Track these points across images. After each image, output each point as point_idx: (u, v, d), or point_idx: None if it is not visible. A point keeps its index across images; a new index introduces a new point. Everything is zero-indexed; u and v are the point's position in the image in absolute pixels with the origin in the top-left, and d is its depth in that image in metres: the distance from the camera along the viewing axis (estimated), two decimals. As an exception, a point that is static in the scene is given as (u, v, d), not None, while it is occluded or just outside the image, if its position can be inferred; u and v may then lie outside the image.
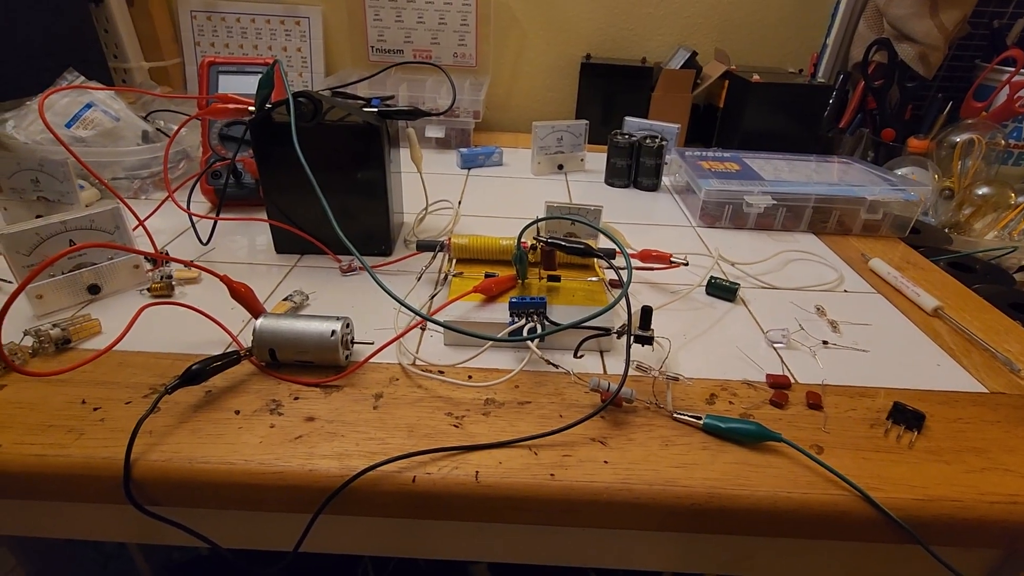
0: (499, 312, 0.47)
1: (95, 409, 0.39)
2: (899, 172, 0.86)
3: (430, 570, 1.11)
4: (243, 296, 0.44)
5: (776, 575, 0.43)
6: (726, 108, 1.04)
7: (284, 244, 0.61)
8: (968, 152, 0.85)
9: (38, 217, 0.63)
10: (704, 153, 0.86)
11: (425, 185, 0.68)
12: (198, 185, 0.68)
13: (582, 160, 0.92)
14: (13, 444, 0.36)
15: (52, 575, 0.94)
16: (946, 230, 0.82)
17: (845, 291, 0.60)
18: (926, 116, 0.95)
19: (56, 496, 0.36)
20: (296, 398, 0.41)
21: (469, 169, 0.91)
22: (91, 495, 0.36)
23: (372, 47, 1.09)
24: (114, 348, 0.44)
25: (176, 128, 0.58)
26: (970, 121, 0.90)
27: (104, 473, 0.35)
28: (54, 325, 0.44)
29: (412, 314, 0.50)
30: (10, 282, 0.52)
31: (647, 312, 0.41)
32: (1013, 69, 0.91)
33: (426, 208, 0.69)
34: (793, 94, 0.98)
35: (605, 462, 0.37)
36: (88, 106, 0.72)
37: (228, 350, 0.44)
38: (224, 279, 0.43)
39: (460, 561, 1.12)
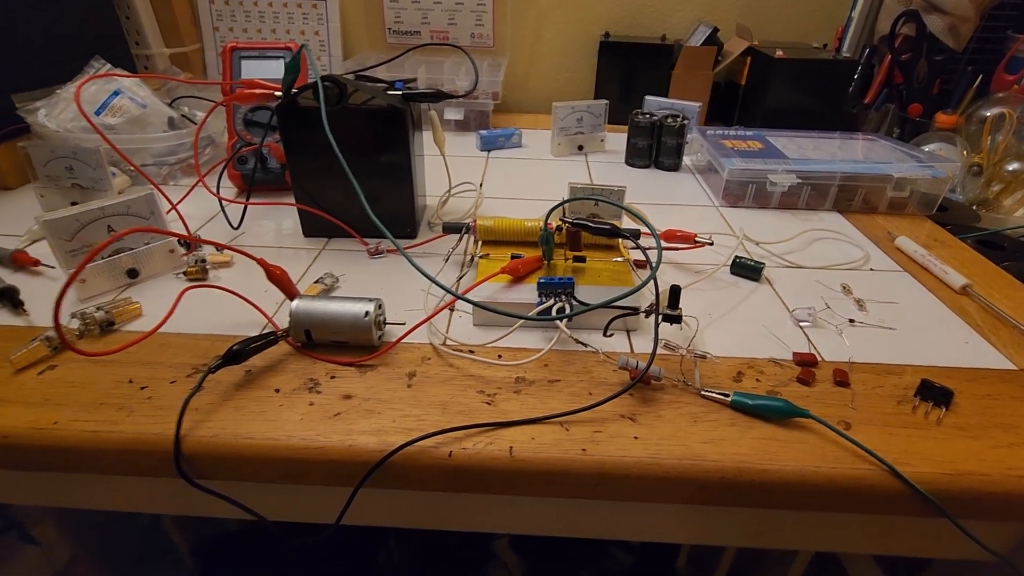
0: (526, 293, 0.48)
1: (142, 388, 0.40)
2: (926, 148, 0.85)
3: (452, 545, 1.15)
4: (279, 279, 0.45)
5: (802, 546, 0.43)
6: (748, 85, 1.02)
7: (312, 228, 0.62)
8: (998, 127, 0.83)
9: (73, 204, 0.64)
10: (726, 132, 0.85)
11: (448, 167, 0.69)
12: (225, 170, 0.69)
13: (602, 140, 0.92)
14: (69, 421, 0.37)
15: (92, 548, 0.98)
16: (974, 207, 0.81)
17: (871, 270, 0.59)
18: (955, 90, 0.93)
19: (110, 470, 0.38)
20: (332, 377, 0.42)
21: (489, 151, 0.92)
22: (143, 469, 0.38)
23: (389, 29, 1.08)
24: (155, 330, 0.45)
25: (204, 115, 0.59)
26: (1001, 95, 0.88)
27: (155, 448, 0.36)
28: (98, 308, 0.46)
29: (440, 295, 0.51)
30: (52, 267, 0.54)
31: (676, 291, 0.42)
32: (1047, 40, 0.89)
33: (449, 190, 0.70)
34: (817, 70, 0.96)
35: (635, 438, 0.37)
36: (115, 93, 0.73)
37: (264, 331, 0.46)
38: (261, 262, 0.45)
39: (481, 538, 1.15)
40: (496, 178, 0.81)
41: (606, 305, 0.42)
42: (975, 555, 0.41)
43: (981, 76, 0.91)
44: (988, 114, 0.84)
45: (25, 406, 0.38)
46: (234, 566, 1.12)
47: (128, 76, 0.72)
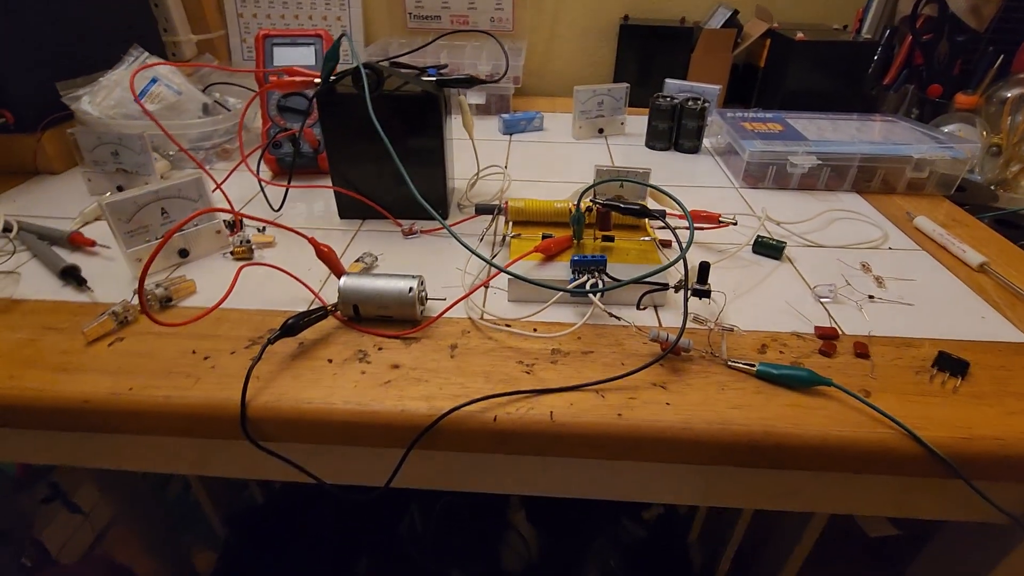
0: (558, 270, 0.51)
1: (205, 358, 0.43)
2: (946, 129, 0.85)
3: (472, 516, 1.19)
4: (328, 257, 0.47)
5: (822, 509, 0.46)
6: (767, 67, 1.03)
7: (347, 210, 0.64)
8: (1018, 108, 0.84)
9: (119, 187, 0.68)
10: (745, 114, 0.86)
11: (476, 151, 0.71)
12: (263, 155, 0.71)
13: (622, 124, 0.93)
14: (143, 388, 0.40)
15: (130, 509, 1.03)
16: (992, 187, 0.82)
17: (890, 248, 0.61)
18: (976, 71, 0.93)
19: (181, 432, 0.41)
20: (380, 348, 0.45)
21: (511, 135, 0.93)
22: (212, 432, 0.41)
23: (410, 14, 1.10)
24: (208, 305, 0.48)
25: (246, 103, 0.62)
26: (1022, 75, 0.88)
27: (223, 413, 0.39)
28: (157, 285, 0.49)
29: (475, 273, 0.54)
30: (107, 247, 0.57)
31: (705, 268, 0.44)
32: (1070, 19, 0.88)
33: (478, 173, 0.72)
34: (837, 52, 0.96)
35: (667, 404, 0.40)
36: (153, 81, 0.76)
37: (312, 307, 0.49)
38: (312, 241, 0.47)
39: (500, 509, 1.19)
40: (519, 161, 0.83)
41: (640, 280, 0.44)
42: (987, 517, 0.43)
43: (1003, 56, 0.91)
44: (1008, 95, 0.85)
45: (102, 374, 0.41)
46: (260, 534, 1.17)
47: (169, 64, 0.74)
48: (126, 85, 0.73)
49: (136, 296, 0.48)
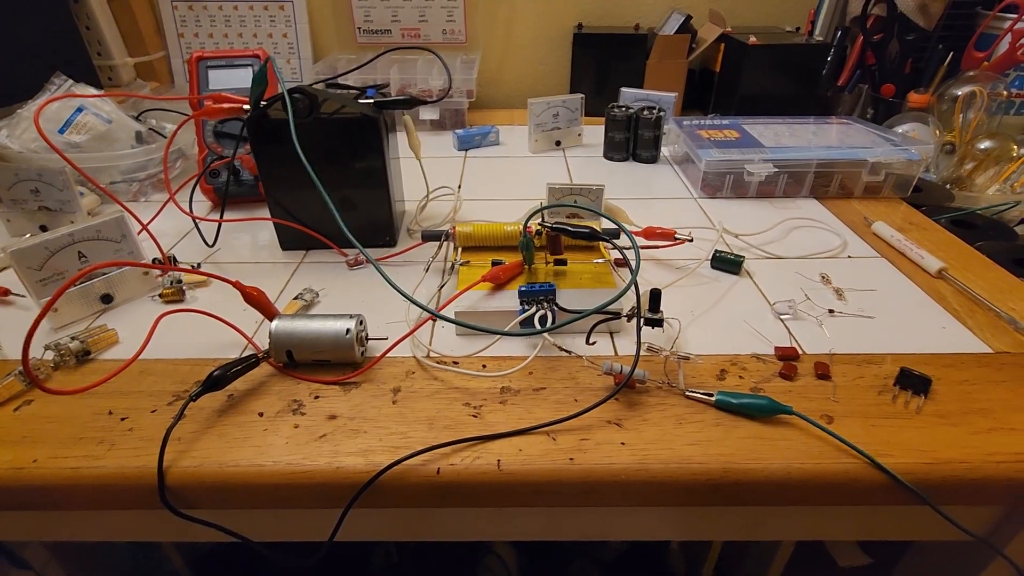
0: (508, 299, 0.48)
1: (122, 419, 0.40)
2: (900, 129, 0.85)
3: (450, 543, 1.15)
4: (256, 300, 0.44)
5: (788, 537, 0.44)
6: (723, 72, 1.02)
7: (289, 241, 0.61)
8: (970, 105, 0.84)
9: (42, 227, 0.63)
10: (702, 121, 0.85)
11: (424, 172, 0.68)
12: (197, 185, 0.68)
13: (579, 135, 0.92)
14: (48, 459, 0.37)
15: (85, 566, 0.97)
16: (947, 186, 0.82)
17: (849, 257, 0.60)
18: (926, 69, 0.94)
19: (93, 506, 0.38)
20: (316, 397, 0.42)
21: (466, 150, 0.91)
22: (127, 503, 0.37)
23: (359, 28, 1.07)
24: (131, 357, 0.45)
25: (173, 131, 0.58)
26: (971, 73, 0.89)
27: (139, 482, 0.36)
28: (72, 338, 0.45)
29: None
30: (23, 295, 0.52)
31: (656, 295, 0.42)
32: (1015, 16, 0.89)
33: (427, 196, 0.69)
34: (791, 54, 0.96)
35: (622, 444, 0.38)
36: (79, 110, 0.71)
37: (244, 353, 0.45)
38: (237, 285, 0.44)
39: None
40: (474, 178, 0.80)
41: (587, 314, 0.42)
42: (956, 536, 0.42)
43: (952, 54, 0.92)
44: (959, 92, 0.85)
45: (2, 445, 0.37)
46: (228, 573, 1.11)
47: (90, 96, 0.69)
48: (48, 116, 0.69)
49: (47, 351, 0.44)
